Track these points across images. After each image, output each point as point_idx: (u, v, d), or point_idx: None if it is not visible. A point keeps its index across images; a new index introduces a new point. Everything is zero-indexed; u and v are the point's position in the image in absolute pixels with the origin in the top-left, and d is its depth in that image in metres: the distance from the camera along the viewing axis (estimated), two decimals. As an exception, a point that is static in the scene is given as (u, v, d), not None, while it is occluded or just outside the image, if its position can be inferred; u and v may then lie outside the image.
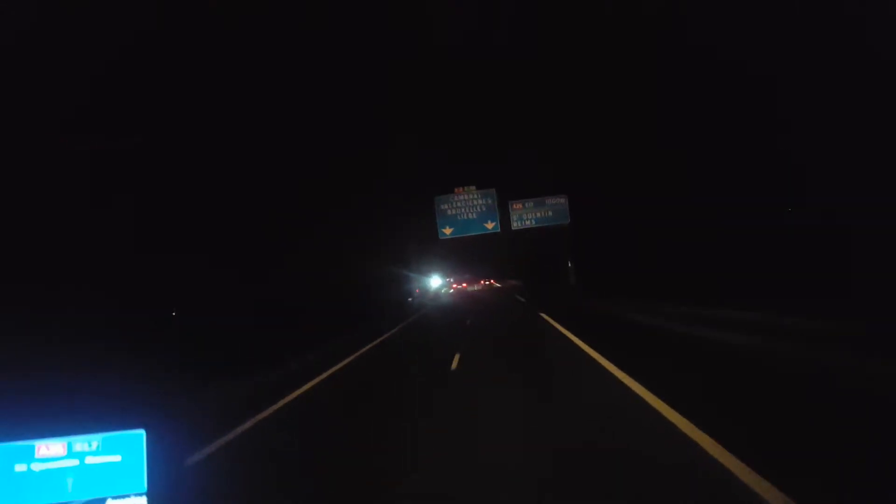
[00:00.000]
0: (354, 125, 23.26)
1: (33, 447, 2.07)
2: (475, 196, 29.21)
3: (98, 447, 2.10)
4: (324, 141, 22.39)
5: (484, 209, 29.04)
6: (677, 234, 17.55)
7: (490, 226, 28.97)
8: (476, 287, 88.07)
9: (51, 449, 2.08)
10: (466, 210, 29.21)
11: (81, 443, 2.10)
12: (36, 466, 2.06)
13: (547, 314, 19.64)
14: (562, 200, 29.46)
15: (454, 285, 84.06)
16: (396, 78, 21.93)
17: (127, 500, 2.09)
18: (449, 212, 29.18)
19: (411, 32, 19.05)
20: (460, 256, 72.40)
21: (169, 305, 13.45)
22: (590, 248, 30.61)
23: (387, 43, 19.60)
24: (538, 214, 29.48)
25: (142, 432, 2.13)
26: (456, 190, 29.31)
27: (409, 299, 44.09)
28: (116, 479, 2.10)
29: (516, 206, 29.38)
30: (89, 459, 2.10)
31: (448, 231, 29.14)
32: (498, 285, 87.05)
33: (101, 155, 13.90)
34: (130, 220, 14.47)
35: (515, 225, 29.35)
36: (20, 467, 2.05)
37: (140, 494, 2.10)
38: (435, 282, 64.00)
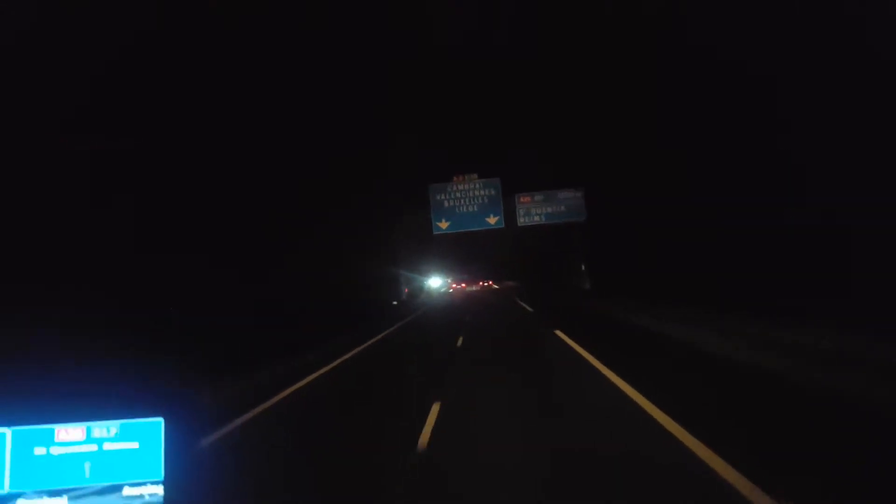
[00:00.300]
0: (354, 125, 23.19)
1: (52, 431, 2.10)
2: (476, 186, 25.39)
3: (116, 433, 2.12)
4: (324, 141, 22.32)
5: (486, 201, 25.26)
6: (696, 235, 15.99)
7: (492, 221, 25.13)
8: (474, 287, 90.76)
9: (70, 433, 2.10)
10: (466, 202, 25.36)
11: (100, 428, 2.12)
12: (55, 450, 2.09)
13: (564, 333, 13.88)
14: (577, 194, 25.66)
15: (453, 285, 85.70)
16: (396, 78, 21.87)
17: (143, 487, 2.10)
18: (446, 203, 25.39)
19: (411, 32, 19.03)
20: (456, 255, 68.62)
21: (169, 304, 13.42)
22: (607, 248, 26.16)
23: (387, 43, 19.58)
24: (548, 209, 25.64)
25: (160, 420, 2.14)
26: (454, 178, 25.51)
27: (394, 303, 35.13)
28: (134, 466, 2.11)
29: (523, 200, 25.71)
30: (107, 445, 2.12)
31: (444, 225, 25.40)
32: (496, 287, 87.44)
33: (101, 155, 13.88)
34: (132, 220, 14.45)
35: (522, 220, 25.61)
36: (39, 450, 2.08)
37: (157, 482, 2.11)
38: (434, 282, 63.41)
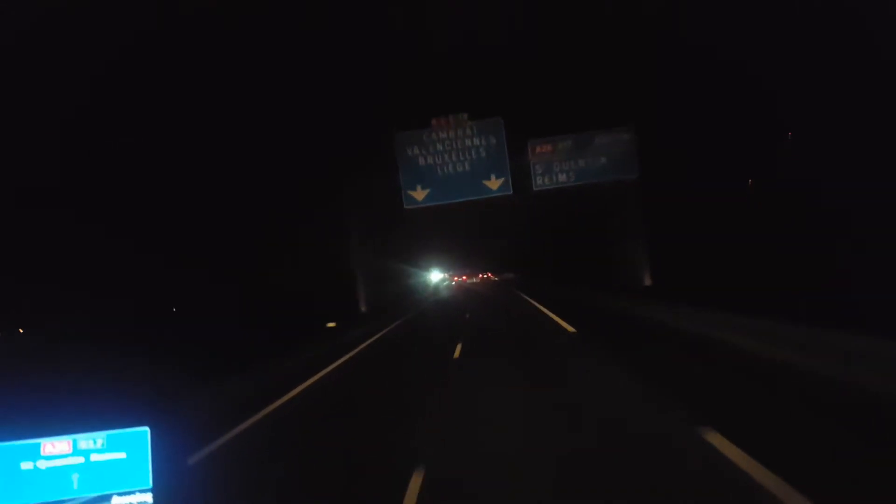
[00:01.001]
0: (354, 125, 23.00)
1: (39, 445, 2.12)
2: (468, 132, 17.06)
3: (103, 445, 2.15)
4: (324, 141, 22.18)
5: (483, 155, 16.96)
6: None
7: (494, 184, 16.98)
8: (475, 279, 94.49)
9: (56, 447, 2.12)
10: (452, 157, 17.05)
11: (86, 440, 2.14)
12: (41, 464, 2.11)
13: None
14: (626, 137, 17.00)
15: (454, 278, 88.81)
16: (396, 78, 21.57)
17: (132, 496, 2.14)
18: (421, 160, 17.11)
19: (411, 32, 18.79)
20: (441, 242, 52.89)
21: (171, 306, 13.48)
22: (677, 223, 17.29)
23: (387, 43, 19.43)
24: (581, 163, 16.95)
25: (146, 429, 2.16)
26: (434, 122, 17.17)
27: (329, 325, 19.32)
28: (121, 476, 2.14)
29: (541, 150, 17.16)
30: (94, 457, 2.14)
31: (420, 194, 17.22)
32: (495, 278, 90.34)
33: (100, 156, 13.94)
34: (131, 224, 14.51)
35: (540, 182, 17.22)
36: (26, 465, 2.10)
37: (145, 490, 2.14)
38: (434, 276, 62.62)
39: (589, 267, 27.92)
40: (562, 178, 17.21)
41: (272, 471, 5.48)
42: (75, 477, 2.11)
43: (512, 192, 17.45)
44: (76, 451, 2.13)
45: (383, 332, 19.00)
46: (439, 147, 17.18)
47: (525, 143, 17.43)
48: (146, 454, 2.16)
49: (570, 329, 14.29)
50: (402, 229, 30.95)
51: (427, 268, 57.15)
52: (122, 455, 2.14)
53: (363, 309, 23.35)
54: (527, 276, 57.24)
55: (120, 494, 2.13)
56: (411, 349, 14.85)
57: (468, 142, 17.15)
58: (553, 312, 18.46)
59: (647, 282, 20.11)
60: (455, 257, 73.16)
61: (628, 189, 18.44)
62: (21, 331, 13.33)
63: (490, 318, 20.59)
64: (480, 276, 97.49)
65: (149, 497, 2.15)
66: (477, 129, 17.14)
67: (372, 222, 23.82)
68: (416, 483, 4.44)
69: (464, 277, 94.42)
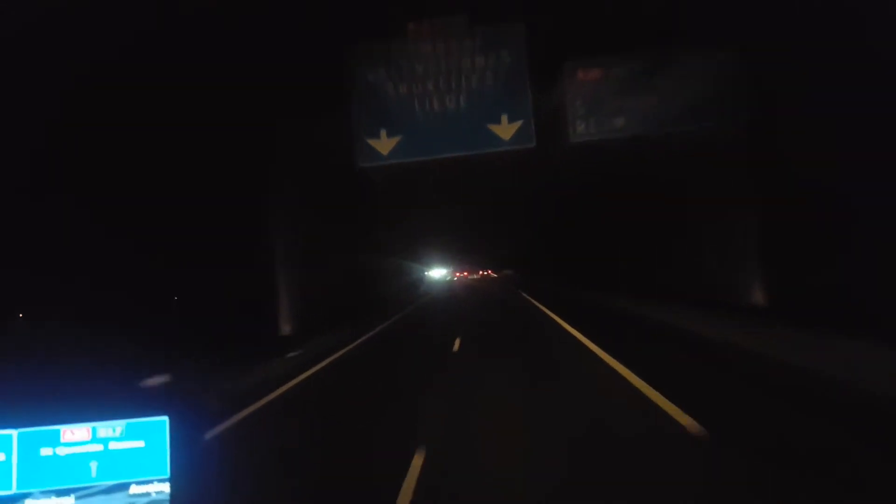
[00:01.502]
0: (353, 124, 22.77)
1: (58, 432, 2.13)
2: (468, 45, 10.61)
3: (121, 433, 2.16)
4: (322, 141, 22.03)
5: (491, 83, 10.63)
6: None
7: (507, 131, 10.63)
8: (475, 276, 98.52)
9: (75, 434, 2.13)
10: (440, 86, 10.72)
11: (105, 428, 2.15)
12: (61, 451, 2.12)
13: None
14: (724, 61, 10.48)
15: (456, 274, 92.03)
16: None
17: (150, 484, 2.14)
18: (390, 90, 10.85)
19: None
20: (438, 238, 38.86)
21: (173, 296, 13.34)
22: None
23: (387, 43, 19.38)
24: (651, 101, 10.64)
25: (165, 419, 2.16)
26: (411, 27, 10.76)
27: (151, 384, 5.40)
28: (140, 464, 2.15)
29: (586, 77, 10.76)
30: (113, 445, 2.15)
31: (386, 145, 10.97)
32: (495, 275, 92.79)
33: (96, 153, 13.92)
34: (132, 221, 14.50)
35: (582, 129, 10.79)
36: (46, 451, 2.11)
37: (163, 479, 2.14)
38: (436, 272, 62.60)
39: (629, 265, 20.01)
40: (618, 122, 10.67)
41: None
42: (94, 464, 2.12)
43: (535, 144, 10.75)
44: (95, 439, 2.14)
45: (260, 402, 8.37)
46: (419, 69, 10.68)
47: (559, 65, 10.97)
48: (164, 443, 2.16)
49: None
50: (356, 205, 21.24)
51: (429, 264, 57.01)
52: (141, 444, 2.15)
53: (285, 331, 14.75)
54: (527, 274, 54.99)
55: (138, 483, 2.13)
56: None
57: (467, 61, 10.62)
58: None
59: (758, 298, 11.59)
60: (454, 252, 73.50)
61: (724, 146, 11.44)
62: (20, 315, 12.94)
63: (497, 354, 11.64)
64: (480, 272, 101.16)
65: (166, 486, 2.15)
66: (482, 40, 10.54)
67: (321, 195, 16.44)
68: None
69: (464, 274, 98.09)
